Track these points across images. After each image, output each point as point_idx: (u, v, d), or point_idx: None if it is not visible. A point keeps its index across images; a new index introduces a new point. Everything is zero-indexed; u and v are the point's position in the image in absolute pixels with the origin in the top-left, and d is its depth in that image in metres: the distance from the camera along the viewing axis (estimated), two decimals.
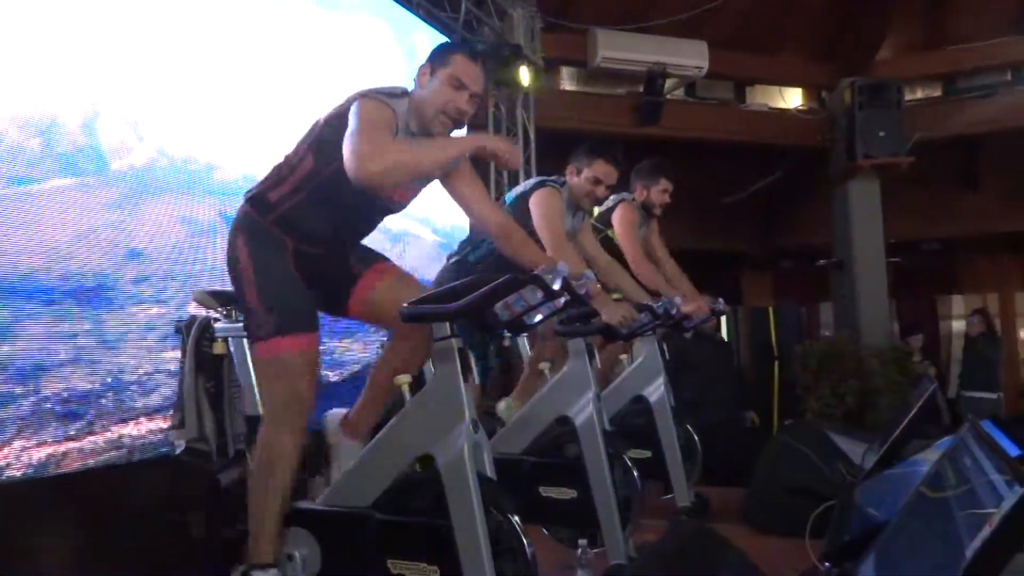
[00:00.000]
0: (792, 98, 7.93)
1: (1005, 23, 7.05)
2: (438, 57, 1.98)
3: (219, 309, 2.10)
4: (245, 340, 2.02)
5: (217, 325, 2.07)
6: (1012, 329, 9.18)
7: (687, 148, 7.25)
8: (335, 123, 1.86)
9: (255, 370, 1.95)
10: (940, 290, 9.57)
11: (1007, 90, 7.38)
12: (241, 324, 2.03)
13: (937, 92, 7.82)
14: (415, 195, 2.09)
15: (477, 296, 1.72)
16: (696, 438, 3.45)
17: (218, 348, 2.06)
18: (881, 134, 6.78)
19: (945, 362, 8.60)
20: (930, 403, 3.07)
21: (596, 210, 3.33)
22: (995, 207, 8.26)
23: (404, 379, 1.86)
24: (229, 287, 2.00)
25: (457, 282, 1.98)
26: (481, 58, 2.00)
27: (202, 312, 2.14)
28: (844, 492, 2.63)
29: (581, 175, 2.97)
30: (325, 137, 1.88)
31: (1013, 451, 1.91)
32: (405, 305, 1.74)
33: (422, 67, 1.98)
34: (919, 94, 7.83)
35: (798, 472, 3.08)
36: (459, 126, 2.02)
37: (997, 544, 0.91)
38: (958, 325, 8.86)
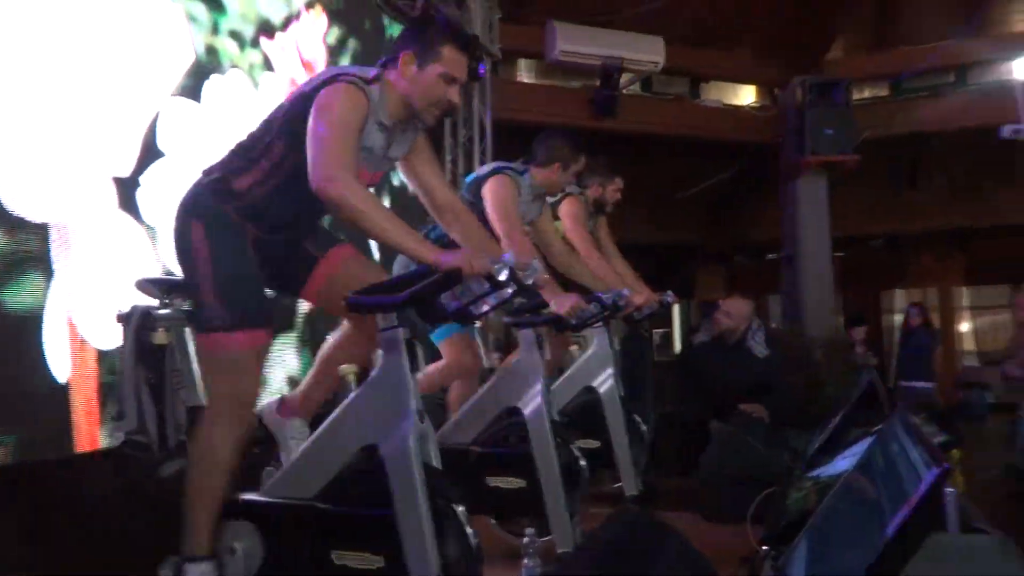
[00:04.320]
0: (746, 95, 8.05)
1: (950, 26, 7.26)
2: (424, 46, 1.86)
3: (161, 298, 2.05)
4: (188, 329, 1.99)
5: (158, 313, 2.02)
6: (951, 322, 9.50)
7: (642, 142, 7.32)
8: (302, 105, 1.79)
9: (200, 362, 1.90)
10: (885, 284, 9.84)
11: (950, 91, 7.61)
12: (184, 313, 1.99)
13: (884, 92, 8.02)
14: (380, 179, 2.07)
15: (422, 286, 1.71)
16: (644, 428, 3.49)
17: (159, 338, 2.01)
18: (829, 132, 6.92)
19: (888, 354, 8.86)
20: (869, 393, 3.17)
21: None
22: (938, 204, 8.52)
23: (349, 369, 1.85)
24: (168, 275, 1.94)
25: (406, 272, 1.97)
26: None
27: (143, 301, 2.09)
28: (785, 479, 2.70)
29: (568, 170, 2.97)
30: (295, 119, 1.80)
31: (939, 439, 1.98)
32: (349, 294, 1.73)
33: (405, 54, 1.86)
34: (867, 93, 8.03)
35: (744, 460, 3.15)
36: None
37: (914, 523, 0.94)
38: (900, 318, 9.13)
